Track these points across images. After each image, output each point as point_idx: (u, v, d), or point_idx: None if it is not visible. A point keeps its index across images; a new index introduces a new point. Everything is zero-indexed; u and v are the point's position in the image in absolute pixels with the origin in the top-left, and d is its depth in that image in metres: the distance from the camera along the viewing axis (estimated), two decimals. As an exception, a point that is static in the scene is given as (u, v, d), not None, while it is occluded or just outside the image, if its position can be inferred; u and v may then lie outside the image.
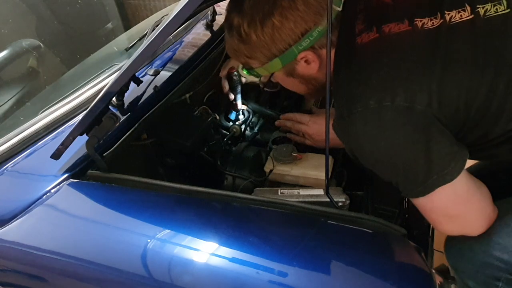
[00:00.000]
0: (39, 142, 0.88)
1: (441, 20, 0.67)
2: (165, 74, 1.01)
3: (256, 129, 1.10)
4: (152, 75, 0.98)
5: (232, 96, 1.14)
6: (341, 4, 0.74)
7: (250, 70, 0.82)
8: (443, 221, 0.72)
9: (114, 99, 0.86)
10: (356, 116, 0.66)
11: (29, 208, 0.75)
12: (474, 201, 0.70)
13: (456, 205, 0.70)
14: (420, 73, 0.65)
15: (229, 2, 0.78)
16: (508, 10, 0.64)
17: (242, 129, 1.09)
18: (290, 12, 0.71)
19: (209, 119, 1.03)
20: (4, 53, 1.29)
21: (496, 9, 0.65)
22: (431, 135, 0.64)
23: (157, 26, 1.03)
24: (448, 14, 0.67)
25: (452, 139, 0.67)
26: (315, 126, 0.99)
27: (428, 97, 0.63)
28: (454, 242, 0.80)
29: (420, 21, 0.67)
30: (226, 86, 1.15)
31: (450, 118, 0.66)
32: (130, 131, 0.87)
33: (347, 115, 0.67)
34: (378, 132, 0.66)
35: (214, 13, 1.22)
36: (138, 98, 0.93)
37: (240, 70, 0.83)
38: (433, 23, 0.67)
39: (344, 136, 0.70)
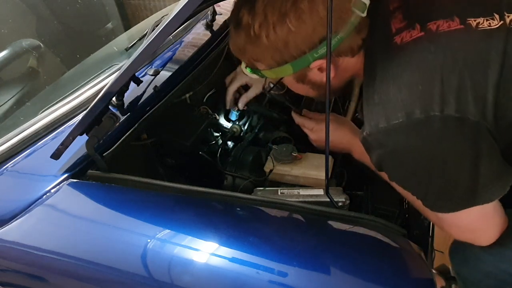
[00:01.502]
0: (39, 142, 0.87)
1: (501, 22, 0.59)
2: (165, 74, 1.01)
3: (256, 129, 1.10)
4: (152, 75, 0.98)
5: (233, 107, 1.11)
6: (365, 10, 0.65)
7: (254, 70, 0.76)
8: (460, 232, 0.71)
9: (114, 99, 0.86)
10: (397, 127, 0.58)
11: (29, 208, 0.75)
12: (496, 217, 0.68)
13: (480, 222, 0.67)
14: (474, 80, 0.57)
15: None
16: None
17: (242, 129, 1.09)
18: (309, 17, 0.63)
19: (209, 119, 1.03)
20: (4, 53, 1.29)
21: None
22: (481, 150, 0.58)
23: (157, 26, 1.03)
24: (508, 16, 0.60)
25: (500, 156, 0.61)
26: (318, 134, 0.97)
27: (482, 108, 0.56)
28: (460, 248, 0.79)
29: (474, 20, 0.60)
30: (230, 101, 1.09)
31: (503, 132, 0.59)
32: (130, 131, 0.87)
33: (385, 125, 0.59)
34: (422, 145, 0.59)
35: (214, 13, 1.22)
36: (138, 98, 0.93)
37: (243, 68, 0.78)
38: (489, 23, 0.59)
39: (377, 148, 0.62)
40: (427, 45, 0.60)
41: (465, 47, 0.59)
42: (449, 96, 0.56)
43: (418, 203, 0.69)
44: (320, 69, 0.70)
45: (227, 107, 1.10)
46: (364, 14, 0.65)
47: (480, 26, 0.59)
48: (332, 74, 0.70)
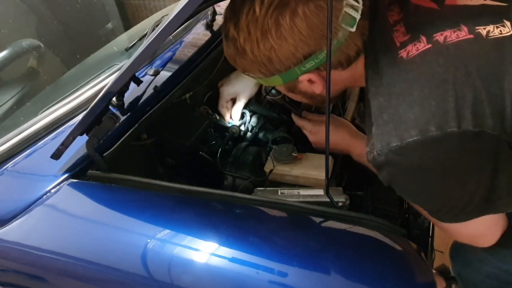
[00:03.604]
0: (39, 142, 0.87)
1: None
2: (165, 74, 1.01)
3: (256, 129, 1.10)
4: (152, 75, 0.98)
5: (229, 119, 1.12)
6: (355, 25, 0.62)
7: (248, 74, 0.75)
8: (464, 237, 0.70)
9: (114, 99, 0.86)
10: (411, 145, 0.54)
11: (29, 208, 0.75)
12: (500, 222, 0.68)
13: (486, 228, 0.67)
14: (490, 92, 0.53)
15: (228, 6, 0.69)
16: None
17: (242, 130, 1.09)
18: (291, 35, 0.61)
19: (209, 119, 1.03)
20: (4, 53, 1.29)
21: None
22: (499, 163, 0.56)
23: (157, 26, 1.03)
24: None
25: None
26: (317, 136, 0.97)
27: (501, 121, 0.53)
28: (461, 250, 0.79)
29: (484, 28, 0.56)
30: (227, 117, 1.10)
31: None
32: (130, 131, 0.87)
33: (397, 144, 0.55)
34: (438, 162, 0.56)
35: (214, 13, 1.22)
36: (138, 98, 0.93)
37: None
38: (500, 31, 0.56)
39: (388, 166, 0.59)
40: (435, 58, 0.57)
41: (477, 58, 0.55)
42: (465, 111, 0.53)
43: (423, 211, 0.69)
44: (310, 81, 0.69)
45: (226, 122, 1.11)
46: (354, 29, 0.63)
47: (491, 34, 0.56)
48: (320, 88, 0.70)
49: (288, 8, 0.60)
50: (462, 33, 0.57)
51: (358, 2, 0.62)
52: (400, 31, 0.62)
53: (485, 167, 0.56)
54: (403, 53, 0.60)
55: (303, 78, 0.68)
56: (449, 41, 0.57)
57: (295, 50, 0.63)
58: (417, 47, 0.58)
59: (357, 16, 0.62)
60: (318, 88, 0.70)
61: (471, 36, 0.56)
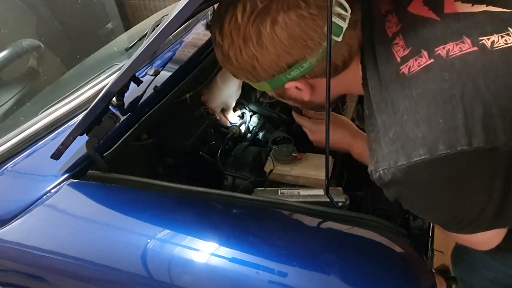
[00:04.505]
0: (39, 142, 0.88)
1: None
2: (165, 74, 1.01)
3: (256, 129, 1.11)
4: (152, 75, 0.98)
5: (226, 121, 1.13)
6: (341, 35, 0.60)
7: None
8: (468, 244, 0.70)
9: (114, 99, 0.86)
10: (420, 165, 0.52)
11: (29, 208, 0.75)
12: (503, 229, 0.67)
13: (492, 237, 0.67)
14: (501, 106, 0.50)
15: (215, 10, 0.68)
16: None
17: (242, 130, 1.09)
18: (272, 44, 0.60)
19: (209, 119, 1.03)
20: (4, 53, 1.29)
21: None
22: (510, 179, 0.53)
23: (157, 26, 1.03)
24: None
25: None
26: (317, 134, 0.97)
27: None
28: (464, 256, 0.78)
29: (488, 39, 0.53)
30: (226, 119, 1.12)
31: None
32: (130, 131, 0.87)
33: (405, 163, 0.53)
34: (448, 181, 0.54)
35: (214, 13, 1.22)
36: (138, 98, 0.93)
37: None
38: (506, 40, 0.53)
39: (396, 184, 0.56)
40: (439, 73, 0.53)
41: (485, 72, 0.52)
42: (476, 127, 0.50)
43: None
44: (297, 88, 0.67)
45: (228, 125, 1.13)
46: (340, 39, 0.61)
47: (496, 45, 0.53)
48: (308, 95, 0.69)
49: (269, 16, 0.59)
50: (466, 46, 0.54)
51: (346, 11, 0.60)
52: (400, 44, 0.60)
53: (496, 184, 0.53)
54: (404, 69, 0.57)
55: (290, 85, 0.67)
56: (452, 55, 0.54)
57: (278, 59, 0.62)
58: (419, 62, 0.56)
59: (344, 25, 0.60)
60: (306, 95, 0.69)
61: (475, 48, 0.53)
